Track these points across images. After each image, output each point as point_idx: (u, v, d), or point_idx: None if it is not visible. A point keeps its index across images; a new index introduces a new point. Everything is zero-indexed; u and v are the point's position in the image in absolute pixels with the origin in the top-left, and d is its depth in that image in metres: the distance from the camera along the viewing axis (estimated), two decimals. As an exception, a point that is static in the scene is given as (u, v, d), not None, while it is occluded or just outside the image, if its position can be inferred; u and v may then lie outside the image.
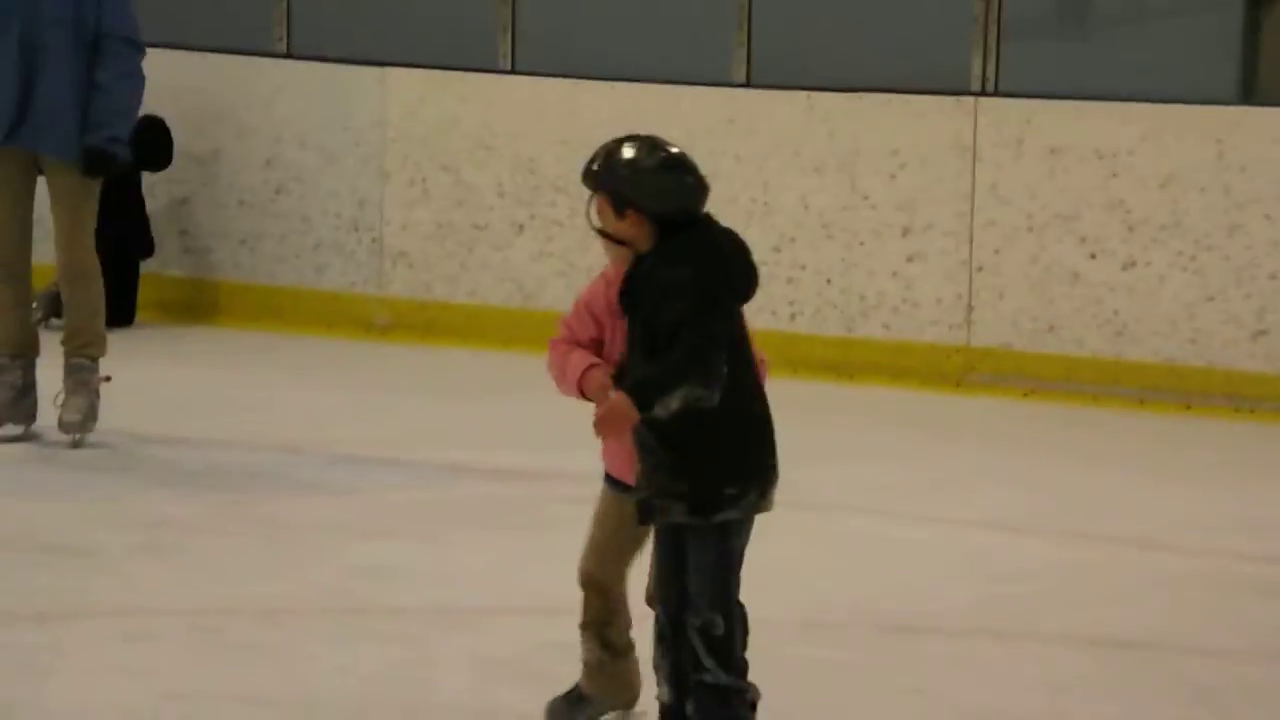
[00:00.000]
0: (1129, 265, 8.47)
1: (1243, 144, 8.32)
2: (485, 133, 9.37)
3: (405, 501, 6.83)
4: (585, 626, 4.74)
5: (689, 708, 4.45)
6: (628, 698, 4.78)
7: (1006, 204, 8.63)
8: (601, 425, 4.29)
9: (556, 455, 7.47)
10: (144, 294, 9.67)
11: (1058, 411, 8.34)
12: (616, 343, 4.50)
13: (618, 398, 4.28)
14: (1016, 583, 6.03)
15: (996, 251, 8.65)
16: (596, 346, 4.50)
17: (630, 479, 4.45)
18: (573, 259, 9.12)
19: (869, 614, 5.71)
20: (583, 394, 4.41)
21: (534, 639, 5.31)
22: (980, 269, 8.67)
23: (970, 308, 8.70)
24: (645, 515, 4.41)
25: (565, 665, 4.81)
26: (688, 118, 8.82)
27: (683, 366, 4.26)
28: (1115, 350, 8.48)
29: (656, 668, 4.52)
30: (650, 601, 4.58)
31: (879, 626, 5.63)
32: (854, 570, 6.15)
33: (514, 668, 5.16)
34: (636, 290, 4.33)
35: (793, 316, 8.87)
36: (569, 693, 4.77)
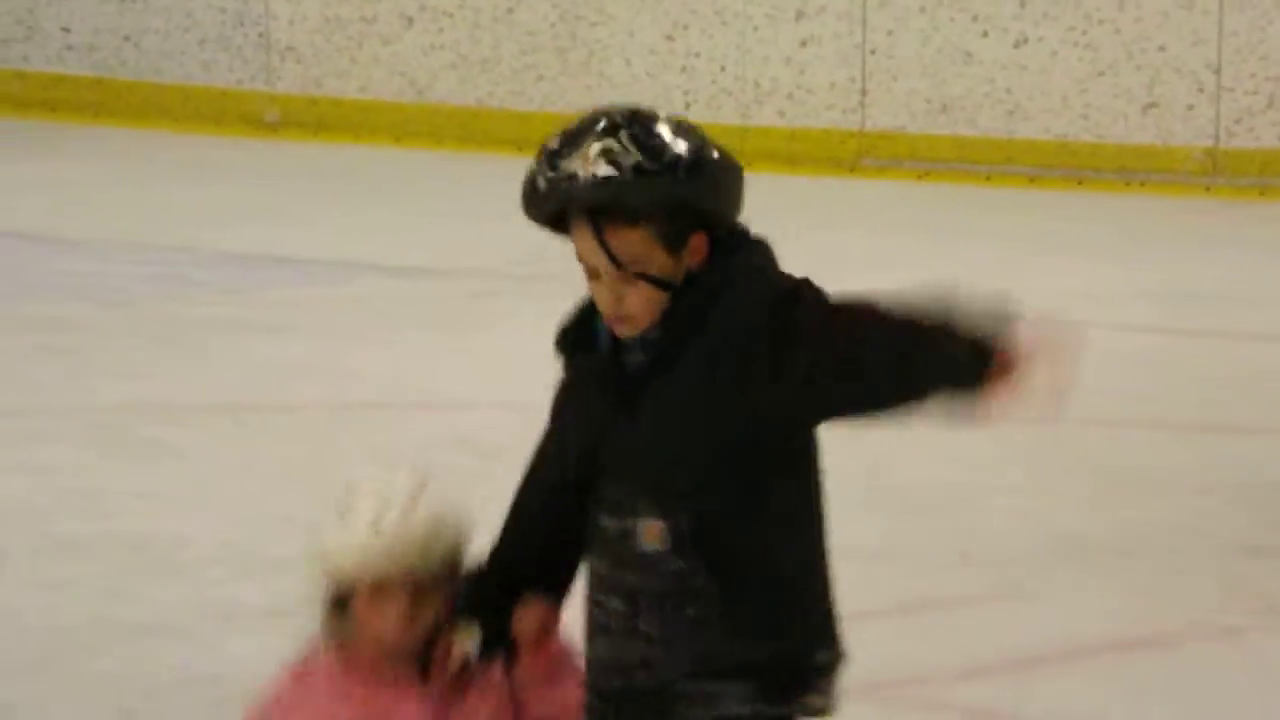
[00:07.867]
0: (1021, 43, 8.46)
1: (1133, -82, 8.31)
2: (370, -77, 9.24)
3: (300, 299, 6.79)
4: None
5: None
6: None
7: (898, -15, 8.60)
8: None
9: (452, 252, 7.44)
10: (29, 92, 9.52)
11: (952, 192, 8.36)
12: None
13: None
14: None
15: (889, 33, 8.63)
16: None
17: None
18: (464, 50, 9.02)
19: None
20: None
21: (428, 432, 5.32)
22: (873, 52, 8.65)
23: (864, 91, 8.68)
24: (665, 708, 2.47)
25: (461, 456, 4.83)
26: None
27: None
28: (1008, 129, 8.50)
29: None
30: None
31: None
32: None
33: (410, 461, 5.15)
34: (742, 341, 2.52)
35: (687, 105, 8.81)
36: None
